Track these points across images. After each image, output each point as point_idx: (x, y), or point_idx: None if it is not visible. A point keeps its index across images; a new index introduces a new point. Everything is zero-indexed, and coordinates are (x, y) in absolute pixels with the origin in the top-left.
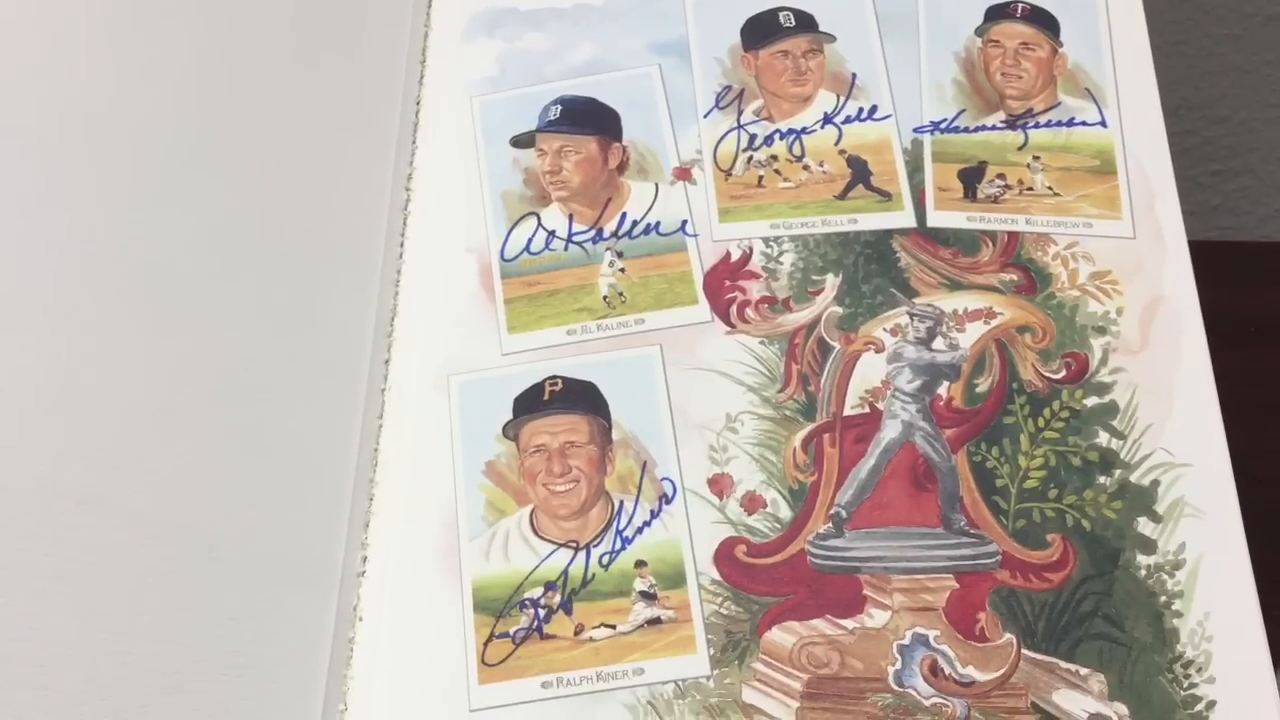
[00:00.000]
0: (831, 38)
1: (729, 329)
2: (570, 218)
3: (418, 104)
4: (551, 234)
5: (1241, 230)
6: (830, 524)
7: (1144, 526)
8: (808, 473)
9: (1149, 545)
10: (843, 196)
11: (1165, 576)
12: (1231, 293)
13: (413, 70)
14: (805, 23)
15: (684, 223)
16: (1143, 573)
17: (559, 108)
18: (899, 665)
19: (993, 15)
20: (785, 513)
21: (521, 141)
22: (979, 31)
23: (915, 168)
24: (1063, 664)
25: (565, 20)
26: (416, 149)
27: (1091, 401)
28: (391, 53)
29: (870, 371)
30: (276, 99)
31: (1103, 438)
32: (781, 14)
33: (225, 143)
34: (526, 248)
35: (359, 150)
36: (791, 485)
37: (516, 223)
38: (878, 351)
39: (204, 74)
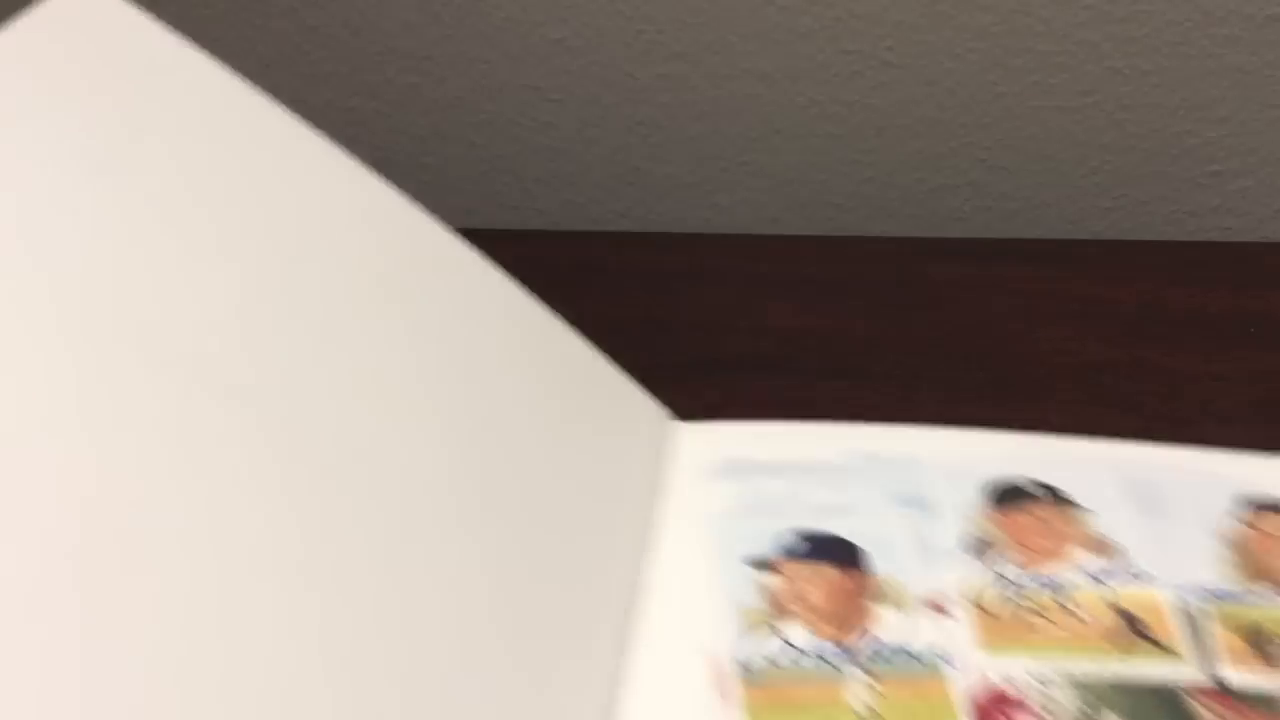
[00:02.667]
0: (1083, 508)
1: None
2: (815, 636)
3: (651, 528)
4: (794, 648)
5: (1241, 230)
6: None
7: None
8: None
9: None
10: (1117, 644)
11: None
12: (1231, 293)
13: (647, 501)
14: (1051, 493)
15: (942, 653)
16: None
17: (798, 538)
18: None
19: (1253, 506)
20: None
21: (759, 564)
22: (1239, 518)
23: (1194, 628)
24: None
25: (804, 471)
26: (646, 564)
27: None
28: (627, 481)
29: None
30: (518, 493)
31: None
32: (1026, 483)
33: (466, 519)
34: (767, 657)
35: (586, 556)
36: None
37: (755, 634)
38: None
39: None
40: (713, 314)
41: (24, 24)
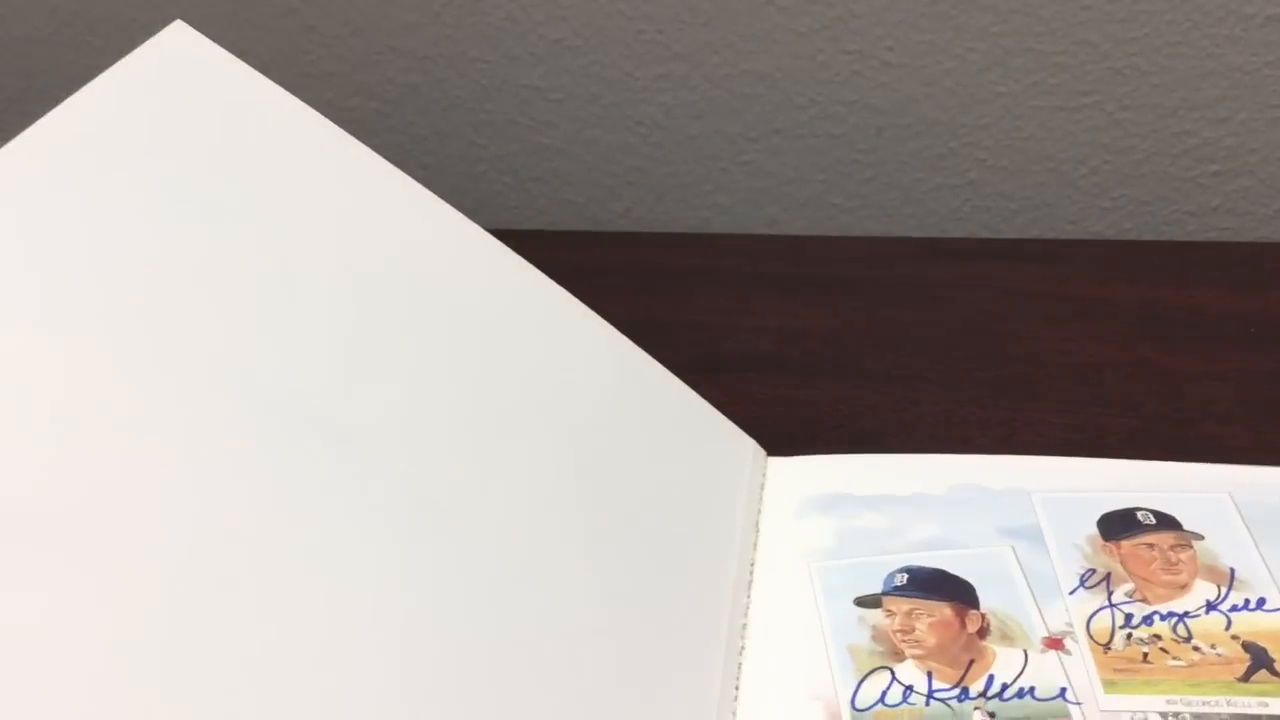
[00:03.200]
0: (1199, 536)
1: None
2: (929, 675)
3: (751, 566)
4: (909, 688)
5: (1241, 230)
6: None
7: None
8: None
9: None
10: (1245, 679)
11: None
12: (1231, 293)
13: (745, 538)
14: (1166, 521)
15: (1063, 690)
16: None
17: (905, 575)
18: None
19: None
20: None
21: (867, 602)
22: None
23: None
24: None
25: (903, 505)
26: (750, 604)
27: None
28: (724, 523)
29: None
30: (620, 532)
31: None
32: (1139, 512)
33: (562, 552)
34: (881, 699)
35: (690, 595)
36: None
37: (867, 675)
38: None
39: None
40: (713, 314)
41: (120, 69)
